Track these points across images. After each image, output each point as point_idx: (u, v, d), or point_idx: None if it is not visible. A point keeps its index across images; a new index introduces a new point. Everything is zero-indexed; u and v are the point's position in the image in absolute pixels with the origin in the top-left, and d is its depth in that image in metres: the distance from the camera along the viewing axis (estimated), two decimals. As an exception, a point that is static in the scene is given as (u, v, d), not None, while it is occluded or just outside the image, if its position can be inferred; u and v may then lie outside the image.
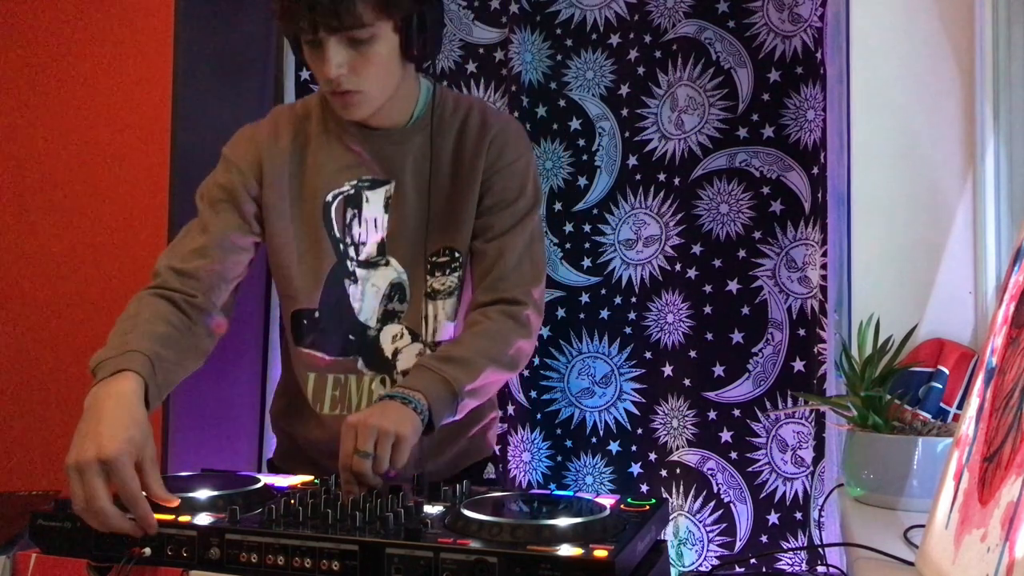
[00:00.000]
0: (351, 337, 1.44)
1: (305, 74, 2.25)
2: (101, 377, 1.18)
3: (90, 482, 1.03)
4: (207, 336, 1.37)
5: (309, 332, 1.44)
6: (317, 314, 1.43)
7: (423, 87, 1.47)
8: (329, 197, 1.43)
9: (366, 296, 1.43)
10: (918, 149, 1.65)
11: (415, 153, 1.44)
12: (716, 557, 2.02)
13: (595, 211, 2.15)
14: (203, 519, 1.04)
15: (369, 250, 1.43)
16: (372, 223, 1.43)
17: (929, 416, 1.44)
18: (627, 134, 2.13)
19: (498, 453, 1.65)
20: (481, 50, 2.22)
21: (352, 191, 1.44)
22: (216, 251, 1.38)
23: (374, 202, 1.44)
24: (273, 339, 2.25)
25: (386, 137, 1.43)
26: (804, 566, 1.94)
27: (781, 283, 2.02)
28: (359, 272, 1.43)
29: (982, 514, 0.80)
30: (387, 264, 1.44)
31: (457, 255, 1.44)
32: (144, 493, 1.05)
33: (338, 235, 1.43)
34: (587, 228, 2.15)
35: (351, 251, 1.43)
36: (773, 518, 2.00)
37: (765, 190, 2.03)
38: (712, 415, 2.04)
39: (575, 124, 2.17)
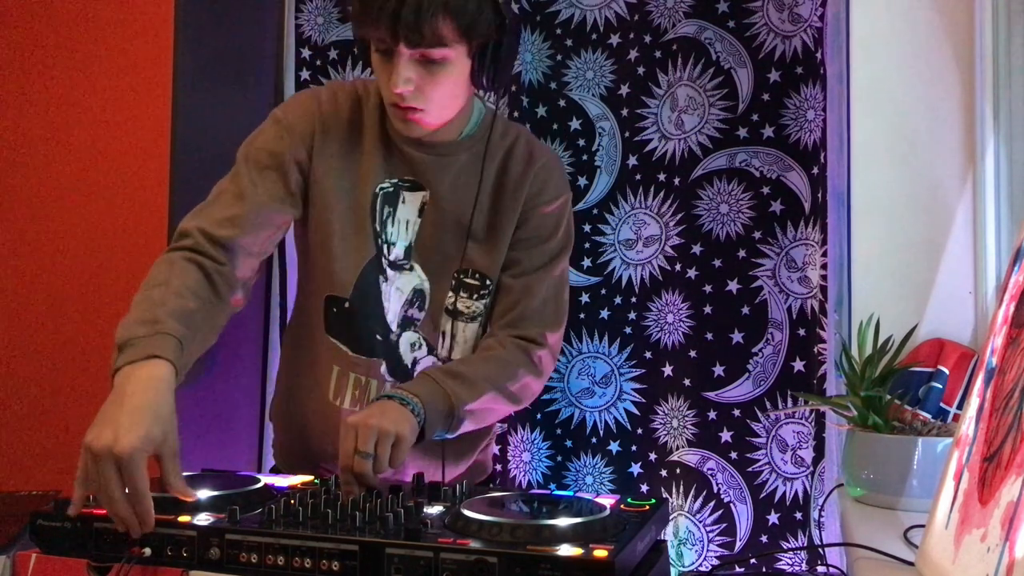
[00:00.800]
0: (378, 337, 1.41)
1: (305, 74, 2.25)
2: (131, 359, 1.12)
3: (104, 472, 1.03)
4: (227, 311, 1.30)
5: (336, 321, 1.40)
6: (347, 304, 1.39)
7: (476, 106, 1.45)
8: (377, 189, 1.39)
9: (391, 298, 1.41)
10: (918, 149, 1.65)
11: (458, 169, 1.41)
12: (716, 557, 2.02)
13: (595, 211, 2.15)
14: (203, 519, 1.04)
15: (397, 252, 1.41)
16: (404, 225, 1.41)
17: (929, 416, 1.44)
18: (627, 134, 2.13)
19: (498, 470, 1.64)
20: (481, 50, 2.22)
21: (392, 189, 1.40)
22: (251, 223, 1.31)
23: (410, 204, 1.41)
24: (273, 339, 2.25)
25: (435, 149, 1.40)
26: (804, 566, 1.94)
27: (781, 283, 2.02)
28: (389, 272, 1.41)
29: (982, 514, 0.80)
30: (411, 269, 1.42)
31: (488, 283, 1.42)
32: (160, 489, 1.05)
33: (378, 229, 1.40)
34: (587, 228, 2.15)
35: (385, 248, 1.40)
36: (773, 518, 2.00)
37: (765, 190, 2.03)
38: (712, 415, 2.04)
39: (575, 124, 2.17)
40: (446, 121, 1.35)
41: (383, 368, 1.42)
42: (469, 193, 1.40)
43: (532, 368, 1.40)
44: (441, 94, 1.29)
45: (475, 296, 1.42)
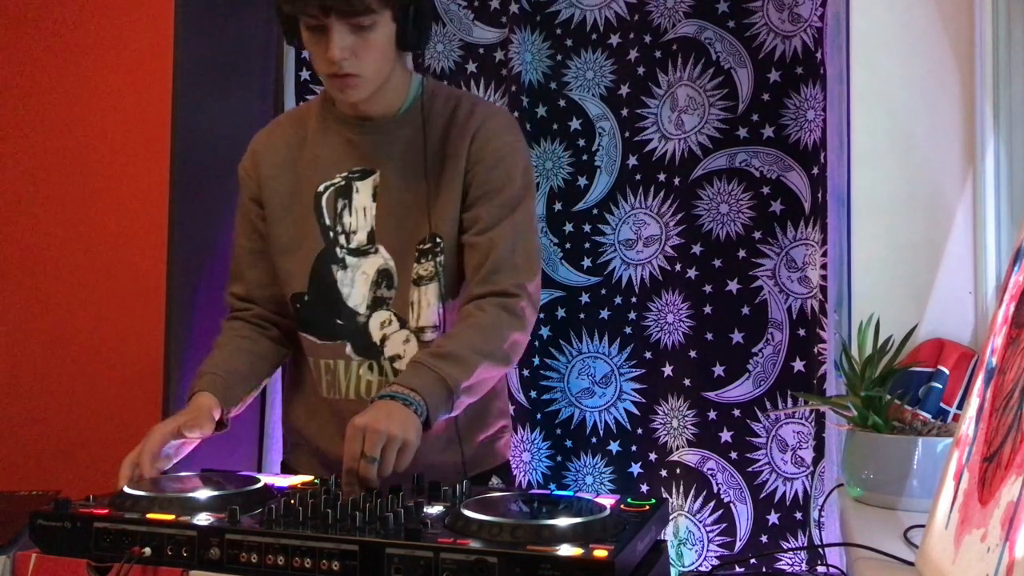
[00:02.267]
0: (339, 322, 1.47)
1: (305, 74, 2.25)
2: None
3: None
4: (273, 342, 1.53)
5: (302, 315, 1.50)
6: (307, 297, 1.48)
7: (414, 80, 1.51)
8: (320, 188, 1.49)
9: (356, 283, 1.47)
10: (918, 149, 1.65)
11: (403, 143, 1.48)
12: (716, 557, 2.02)
13: (595, 211, 2.15)
14: (203, 519, 1.04)
15: (360, 238, 1.47)
16: (362, 212, 1.48)
17: (929, 416, 1.44)
18: (627, 134, 2.13)
19: (510, 460, 1.65)
20: (481, 50, 2.22)
21: (343, 182, 1.49)
22: (251, 270, 1.54)
23: (363, 191, 1.48)
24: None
25: (376, 126, 1.48)
26: (804, 566, 1.94)
27: (781, 283, 2.02)
28: (349, 259, 1.47)
29: (982, 514, 0.80)
30: (376, 252, 1.47)
31: (439, 240, 1.46)
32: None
33: (328, 223, 1.48)
34: (587, 228, 2.15)
35: (341, 239, 1.48)
36: (773, 518, 2.00)
37: (765, 190, 2.03)
38: (712, 415, 2.04)
39: (575, 124, 2.17)
40: (380, 83, 1.43)
41: (348, 349, 1.48)
42: (417, 166, 1.46)
43: (516, 322, 1.43)
44: (373, 56, 1.38)
45: (429, 257, 1.46)
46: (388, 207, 1.47)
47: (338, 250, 1.47)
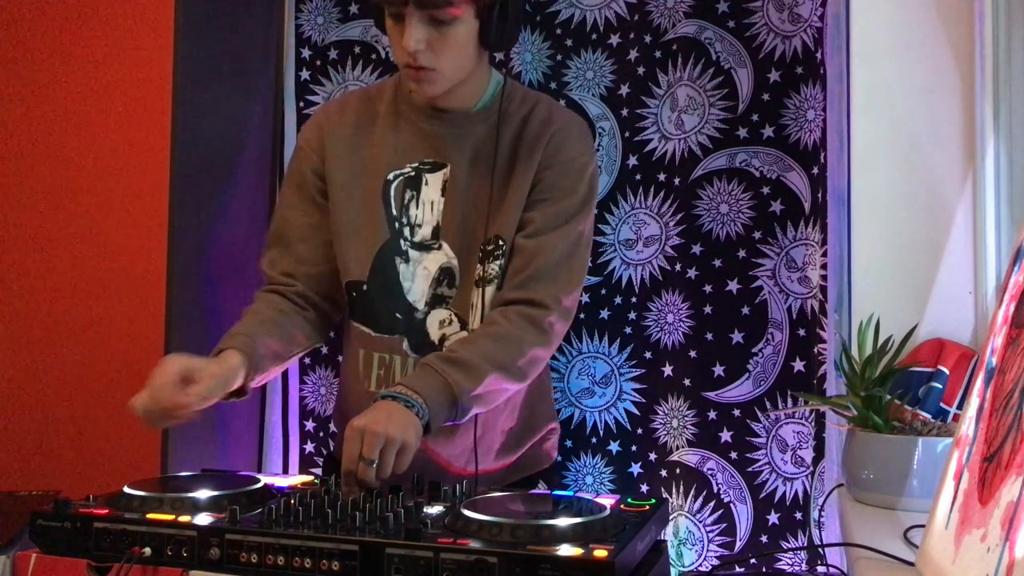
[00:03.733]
0: (398, 316, 1.45)
1: (305, 74, 2.25)
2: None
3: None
4: (310, 325, 1.48)
5: (358, 305, 1.47)
6: (366, 287, 1.46)
7: (493, 78, 1.50)
8: (391, 176, 1.46)
9: (416, 278, 1.45)
10: (918, 149, 1.64)
11: (476, 140, 1.46)
12: (716, 557, 2.02)
13: (595, 211, 2.15)
14: (203, 519, 1.04)
15: (424, 232, 1.45)
16: (429, 206, 1.46)
17: (929, 416, 1.44)
18: (627, 134, 2.13)
19: (559, 460, 1.64)
20: (481, 50, 2.22)
21: (413, 173, 1.46)
22: (302, 244, 1.49)
23: (433, 185, 1.46)
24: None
25: (451, 120, 1.46)
26: (804, 566, 1.94)
27: (781, 283, 2.02)
28: (412, 253, 1.45)
29: (982, 514, 0.80)
30: (439, 248, 1.45)
31: (502, 243, 1.44)
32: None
33: (395, 213, 1.46)
34: (587, 228, 2.15)
35: (406, 231, 1.45)
36: (773, 518, 2.00)
37: (765, 190, 2.03)
38: (712, 415, 2.04)
39: (575, 124, 2.16)
40: (458, 81, 1.40)
41: (405, 344, 1.45)
42: (489, 164, 1.44)
43: (540, 337, 1.40)
44: (452, 53, 1.36)
45: (491, 259, 1.44)
46: (455, 204, 1.45)
47: (402, 242, 1.45)
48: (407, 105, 1.47)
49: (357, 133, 1.49)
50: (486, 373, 1.34)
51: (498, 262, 1.43)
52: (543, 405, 1.52)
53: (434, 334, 1.44)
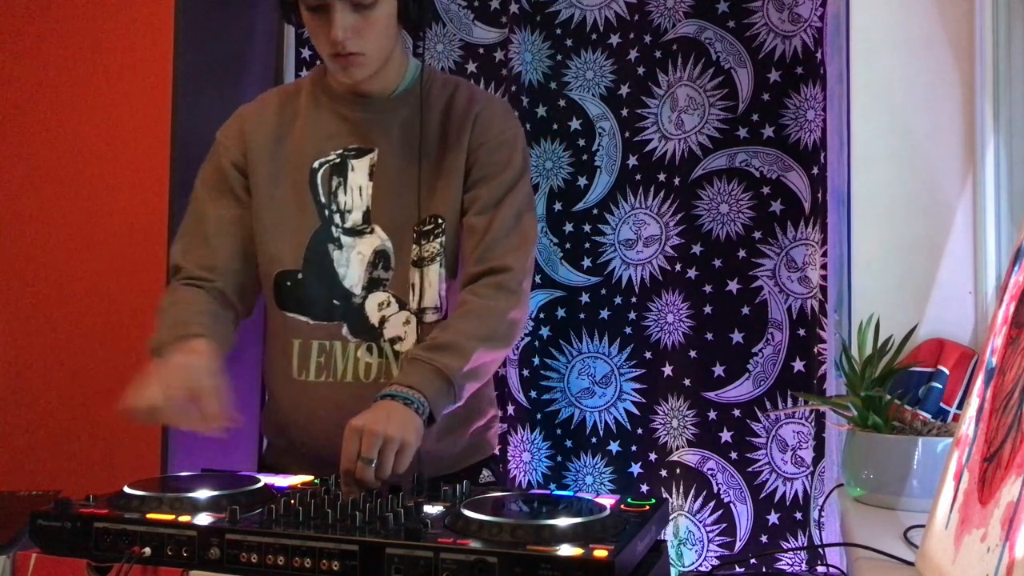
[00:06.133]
0: (335, 302, 1.46)
1: (304, 74, 2.25)
2: (168, 345, 1.32)
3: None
4: (232, 328, 1.46)
5: (292, 295, 1.46)
6: (300, 275, 1.46)
7: (412, 63, 1.53)
8: (315, 164, 1.48)
9: (351, 263, 1.46)
10: (918, 149, 1.64)
11: (400, 123, 1.48)
12: (716, 557, 2.02)
13: (595, 211, 2.15)
14: (203, 519, 1.04)
15: (355, 217, 1.46)
16: (357, 191, 1.47)
17: (929, 416, 1.44)
18: (627, 134, 2.13)
19: (498, 453, 1.65)
20: (481, 50, 2.22)
21: (338, 159, 1.48)
22: (219, 238, 1.47)
23: (359, 170, 1.47)
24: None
25: (374, 105, 1.48)
26: (804, 566, 1.94)
27: (781, 283, 2.02)
28: (344, 239, 1.46)
29: (982, 514, 0.80)
30: (372, 232, 1.47)
31: (441, 221, 1.46)
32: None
33: (323, 200, 1.47)
34: (587, 228, 2.15)
35: (336, 218, 1.47)
36: (773, 518, 2.00)
37: (765, 190, 2.03)
38: (712, 415, 2.04)
39: (575, 124, 2.17)
40: (383, 60, 1.43)
41: (344, 330, 1.46)
42: (415, 147, 1.47)
43: (512, 299, 1.42)
44: (376, 34, 1.39)
45: (431, 238, 1.46)
46: (385, 187, 1.46)
47: (334, 229, 1.46)
48: (327, 96, 1.50)
49: (279, 126, 1.50)
50: (472, 349, 1.36)
51: (438, 240, 1.46)
52: (485, 389, 1.53)
53: (373, 317, 1.45)
